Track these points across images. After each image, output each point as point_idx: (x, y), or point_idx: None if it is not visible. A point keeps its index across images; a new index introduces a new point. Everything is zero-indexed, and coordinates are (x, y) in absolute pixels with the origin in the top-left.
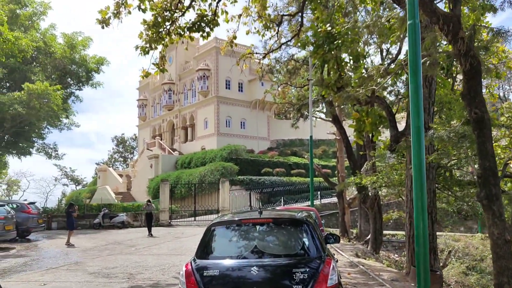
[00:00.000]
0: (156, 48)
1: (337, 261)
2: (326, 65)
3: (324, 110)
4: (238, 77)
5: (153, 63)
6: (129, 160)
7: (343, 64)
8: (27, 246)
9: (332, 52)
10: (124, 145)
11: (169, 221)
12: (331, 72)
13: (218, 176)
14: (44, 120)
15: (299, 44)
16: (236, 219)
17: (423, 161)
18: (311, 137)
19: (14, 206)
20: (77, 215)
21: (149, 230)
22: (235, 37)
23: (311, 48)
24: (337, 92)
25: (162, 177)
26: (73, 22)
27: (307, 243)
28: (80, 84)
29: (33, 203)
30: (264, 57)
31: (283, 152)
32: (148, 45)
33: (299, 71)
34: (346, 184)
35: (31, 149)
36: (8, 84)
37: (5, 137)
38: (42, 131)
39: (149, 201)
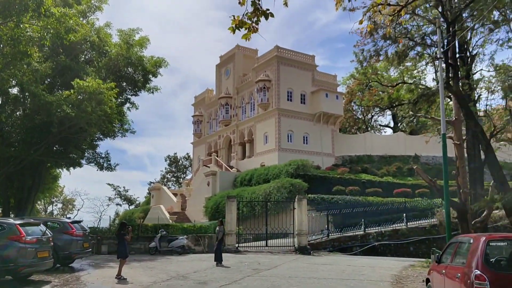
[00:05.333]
0: None
1: None
2: None
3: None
4: (301, 88)
5: (248, 13)
6: (181, 179)
7: None
8: (67, 279)
9: None
10: (177, 164)
11: (237, 246)
12: None
13: (285, 194)
14: (96, 125)
15: None
16: None
17: None
18: (443, 135)
19: (54, 225)
20: (131, 237)
21: (218, 259)
22: None
23: None
24: None
25: (220, 195)
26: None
27: None
28: (136, 89)
29: (78, 221)
30: (400, 10)
31: (353, 169)
32: None
33: (409, 53)
34: (490, 201)
35: (81, 160)
36: (60, 88)
37: (54, 147)
38: (94, 140)
39: (221, 221)
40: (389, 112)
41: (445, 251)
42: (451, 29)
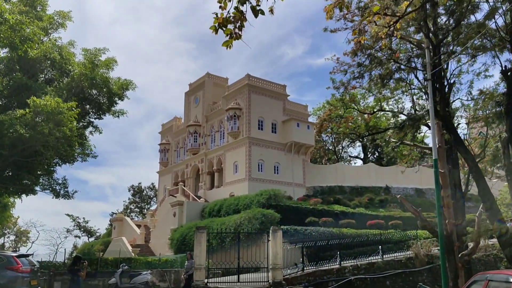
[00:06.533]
0: None
1: None
2: None
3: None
4: (272, 117)
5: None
6: (145, 210)
7: None
8: None
9: None
10: (141, 194)
11: (206, 281)
12: None
13: (257, 225)
14: (53, 148)
15: None
16: None
17: None
18: (435, 160)
19: None
20: (86, 273)
21: None
22: None
23: None
24: None
25: (187, 226)
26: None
27: None
28: (100, 112)
29: (26, 255)
30: (397, 22)
31: (325, 200)
32: None
33: (393, 76)
34: (483, 233)
35: (35, 186)
36: (15, 109)
37: (5, 172)
38: (50, 165)
39: (191, 254)
40: (358, 143)
41: None
42: (436, 52)
